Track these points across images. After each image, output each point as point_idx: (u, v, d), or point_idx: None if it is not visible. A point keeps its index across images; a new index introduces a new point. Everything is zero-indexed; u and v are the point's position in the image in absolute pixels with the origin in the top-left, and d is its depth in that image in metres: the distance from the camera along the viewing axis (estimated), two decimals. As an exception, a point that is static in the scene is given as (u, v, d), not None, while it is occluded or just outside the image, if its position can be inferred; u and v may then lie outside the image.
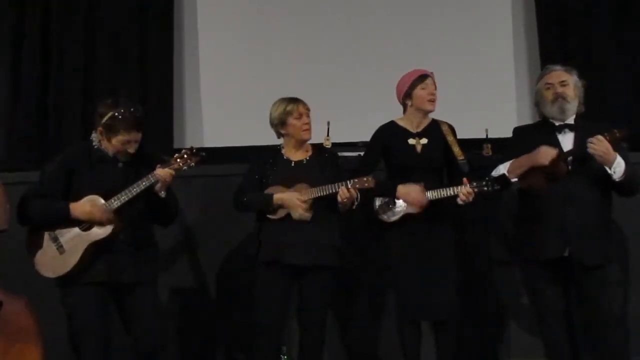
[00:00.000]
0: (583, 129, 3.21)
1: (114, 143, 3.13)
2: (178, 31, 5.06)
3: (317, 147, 3.59)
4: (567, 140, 3.23)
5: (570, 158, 3.17)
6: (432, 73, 3.48)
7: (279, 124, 3.43)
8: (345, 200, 3.24)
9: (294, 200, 3.28)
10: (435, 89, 3.46)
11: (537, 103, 3.37)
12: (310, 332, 3.38)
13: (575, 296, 3.27)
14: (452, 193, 3.29)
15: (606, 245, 3.18)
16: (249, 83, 4.92)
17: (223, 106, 5.02)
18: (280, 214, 3.32)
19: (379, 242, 3.53)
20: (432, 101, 3.44)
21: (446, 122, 3.51)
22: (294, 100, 3.42)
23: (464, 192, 3.24)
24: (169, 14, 5.00)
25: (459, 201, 3.26)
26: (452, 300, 3.34)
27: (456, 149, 3.39)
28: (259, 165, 3.46)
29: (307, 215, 3.29)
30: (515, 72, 4.89)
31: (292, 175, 3.36)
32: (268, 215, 3.35)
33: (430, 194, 3.32)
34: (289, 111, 3.39)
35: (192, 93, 5.11)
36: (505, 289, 3.97)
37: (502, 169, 3.29)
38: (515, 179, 3.23)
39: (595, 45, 4.68)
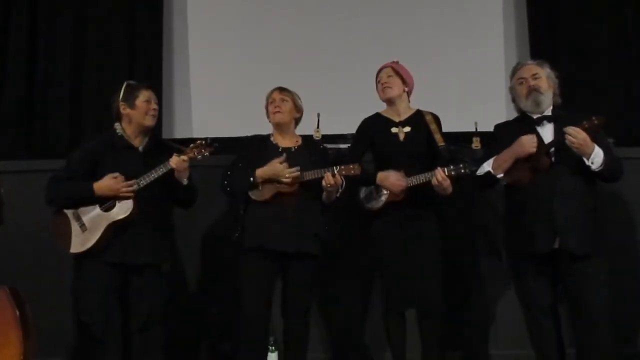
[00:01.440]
0: (561, 120, 3.22)
1: (138, 105, 3.38)
2: (167, 21, 5.04)
3: (307, 138, 3.62)
4: (546, 132, 3.24)
5: (552, 149, 3.18)
6: (393, 63, 3.53)
7: (267, 114, 3.54)
8: (329, 186, 3.25)
9: (275, 167, 3.32)
10: (388, 76, 3.49)
11: (513, 99, 3.39)
12: (295, 321, 3.39)
13: (562, 290, 3.28)
14: (429, 177, 3.30)
15: (595, 234, 3.18)
16: (239, 74, 4.92)
17: (212, 97, 5.02)
18: (266, 194, 3.33)
19: (365, 232, 3.53)
20: (383, 90, 3.50)
21: (430, 112, 3.52)
22: (273, 89, 3.53)
23: (437, 177, 3.25)
24: (158, 3, 4.97)
25: (434, 183, 3.26)
26: (436, 291, 3.35)
27: (437, 136, 3.40)
28: (247, 150, 3.50)
29: (297, 174, 3.29)
30: (505, 66, 4.87)
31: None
32: (253, 197, 3.36)
33: (410, 180, 3.33)
34: (267, 98, 3.54)
35: (181, 84, 5.10)
36: (491, 280, 3.99)
37: (487, 166, 3.30)
38: (501, 175, 3.25)
39: (586, 39, 4.70)
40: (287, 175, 3.29)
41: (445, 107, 3.80)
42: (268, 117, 3.53)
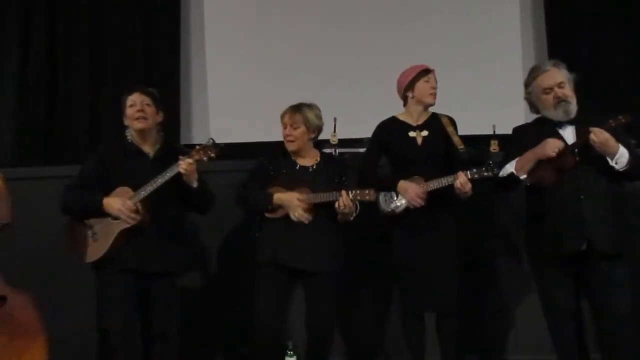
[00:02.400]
0: (582, 121, 3.18)
1: (127, 113, 3.35)
2: (184, 28, 5.07)
3: (326, 155, 3.60)
4: (568, 134, 3.20)
5: (576, 150, 3.14)
6: (433, 70, 3.49)
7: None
8: (343, 208, 3.24)
9: (293, 200, 3.29)
10: (436, 85, 3.48)
11: (533, 104, 3.33)
12: (317, 336, 3.40)
13: (586, 294, 3.22)
14: (451, 181, 3.28)
15: (623, 234, 3.14)
16: (256, 79, 4.94)
17: (229, 103, 5.04)
18: (280, 213, 3.34)
19: (383, 236, 3.52)
20: (434, 95, 3.46)
21: (446, 115, 3.51)
22: (286, 110, 3.47)
23: (460, 181, 3.24)
24: (175, 11, 5.01)
25: (456, 186, 3.25)
26: (454, 294, 3.34)
27: (456, 139, 3.38)
28: (266, 163, 3.48)
29: (306, 217, 3.29)
30: (523, 68, 4.85)
31: (296, 179, 3.38)
32: (266, 214, 3.37)
33: (430, 185, 3.32)
34: (281, 119, 3.48)
35: (198, 90, 5.12)
36: (509, 283, 3.96)
37: (510, 168, 3.26)
38: (525, 176, 3.21)
39: (604, 42, 4.65)
40: (298, 216, 3.28)
41: (463, 110, 3.79)
42: None
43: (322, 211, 3.32)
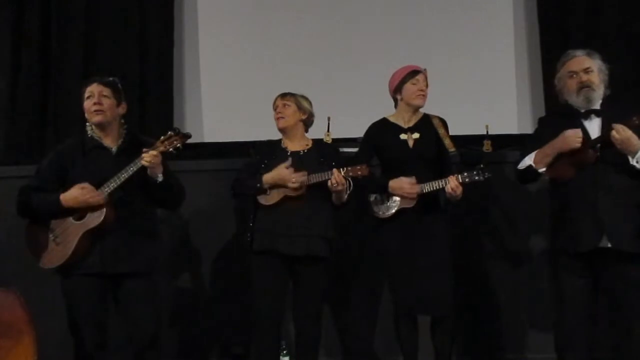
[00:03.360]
0: (609, 114, 3.10)
1: (84, 105, 3.18)
2: (178, 26, 5.05)
3: (318, 141, 3.62)
4: (593, 126, 3.13)
5: (598, 145, 3.06)
6: (425, 70, 3.48)
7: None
8: (335, 186, 3.23)
9: (281, 172, 3.29)
10: (427, 86, 3.47)
11: (560, 91, 3.25)
12: (306, 326, 3.39)
13: (603, 293, 3.16)
14: (443, 185, 3.29)
15: None
16: (250, 78, 4.91)
17: (223, 101, 5.01)
18: (274, 198, 3.32)
19: (375, 237, 3.52)
20: (422, 96, 3.44)
21: (437, 116, 3.50)
22: (276, 97, 3.52)
23: (451, 185, 3.25)
24: (168, 7, 4.99)
25: (448, 190, 3.26)
26: (448, 295, 3.33)
27: (447, 141, 3.38)
28: (257, 155, 3.51)
29: (303, 179, 3.27)
30: (516, 68, 4.87)
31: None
32: (261, 201, 3.36)
33: (423, 187, 3.32)
34: (273, 107, 3.51)
35: (192, 88, 5.10)
36: (502, 284, 3.98)
37: (528, 160, 3.20)
38: (543, 169, 3.17)
39: (598, 40, 4.64)
40: (293, 180, 3.28)
41: (456, 110, 3.80)
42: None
43: (316, 195, 3.31)
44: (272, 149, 3.49)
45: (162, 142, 3.07)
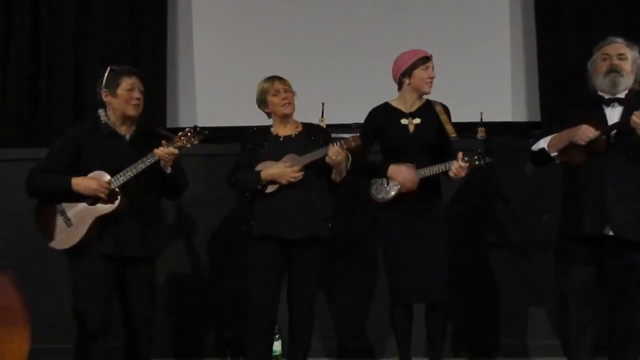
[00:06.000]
0: (632, 104, 3.10)
1: (120, 93, 3.19)
2: (172, 11, 5.03)
3: (308, 124, 3.57)
4: (614, 115, 3.13)
5: (613, 132, 3.08)
6: (432, 56, 3.46)
7: (261, 104, 3.47)
8: (334, 158, 3.22)
9: (281, 170, 3.28)
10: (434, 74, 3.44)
11: (590, 75, 3.25)
12: (300, 310, 3.38)
13: (606, 280, 3.16)
14: (444, 169, 3.28)
15: None
16: (243, 63, 4.90)
17: (217, 86, 5.01)
18: (271, 189, 3.32)
19: (373, 222, 3.51)
20: (431, 84, 3.42)
21: (440, 102, 3.48)
22: (270, 79, 3.45)
23: (455, 166, 3.24)
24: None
25: (451, 174, 3.25)
26: (444, 284, 3.33)
27: (449, 127, 3.36)
28: (248, 144, 3.46)
29: (298, 175, 3.26)
30: (512, 56, 4.87)
31: (282, 150, 3.36)
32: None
33: (422, 172, 3.31)
34: (265, 89, 3.42)
35: (185, 73, 5.08)
36: (498, 272, 3.99)
37: (543, 143, 3.23)
38: (555, 154, 3.19)
39: (595, 30, 4.64)
40: (293, 177, 3.26)
41: (451, 97, 3.77)
42: (265, 107, 3.44)
43: (313, 174, 3.30)
44: (263, 136, 3.46)
45: (180, 137, 3.14)
